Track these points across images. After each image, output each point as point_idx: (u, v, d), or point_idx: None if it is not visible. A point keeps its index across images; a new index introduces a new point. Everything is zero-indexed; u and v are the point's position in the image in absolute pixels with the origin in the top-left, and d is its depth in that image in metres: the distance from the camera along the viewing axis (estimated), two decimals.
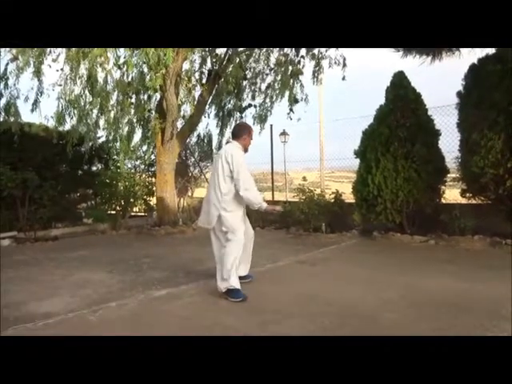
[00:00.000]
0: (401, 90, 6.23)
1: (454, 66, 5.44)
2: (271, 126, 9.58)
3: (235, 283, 3.55)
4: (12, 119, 6.77)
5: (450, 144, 6.51)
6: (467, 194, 6.08)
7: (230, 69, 7.92)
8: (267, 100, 8.81)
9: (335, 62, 7.84)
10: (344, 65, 7.80)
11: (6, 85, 6.60)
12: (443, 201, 6.52)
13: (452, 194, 6.78)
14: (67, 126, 7.51)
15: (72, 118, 7.17)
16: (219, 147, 9.36)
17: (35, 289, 3.98)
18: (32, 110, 6.86)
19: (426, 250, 5.53)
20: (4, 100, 6.75)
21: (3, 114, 6.83)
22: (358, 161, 6.83)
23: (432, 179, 6.17)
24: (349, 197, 7.66)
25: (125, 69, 7.45)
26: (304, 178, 8.45)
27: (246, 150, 3.92)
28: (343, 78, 7.95)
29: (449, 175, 6.41)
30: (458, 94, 6.11)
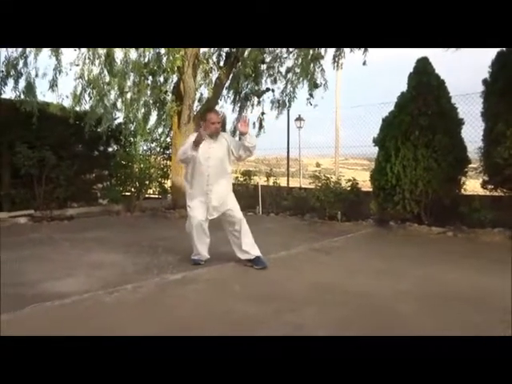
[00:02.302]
0: (424, 77, 6.04)
1: (480, 52, 5.23)
2: (288, 111, 9.44)
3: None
4: (31, 98, 6.77)
5: (472, 134, 6.33)
6: (488, 186, 5.93)
7: (248, 52, 7.76)
8: (288, 85, 8.62)
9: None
10: (366, 49, 7.55)
11: (25, 63, 6.59)
12: (463, 192, 6.36)
13: (471, 185, 6.62)
14: (84, 107, 7.52)
15: (91, 98, 7.15)
16: (234, 131, 9.27)
17: (51, 268, 4.02)
18: (51, 89, 6.85)
19: (444, 242, 5.42)
20: (23, 79, 6.76)
21: (22, 92, 6.83)
22: (372, 148, 6.71)
23: (452, 169, 6.02)
24: (362, 184, 7.56)
25: (142, 50, 7.38)
26: (317, 164, 8.31)
27: (211, 135, 4.00)
28: (364, 63, 7.71)
29: (470, 166, 6.25)
30: (484, 81, 5.91)
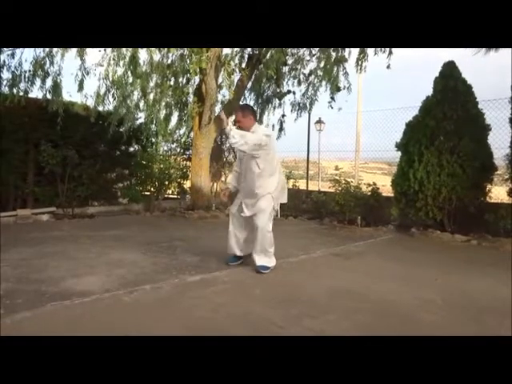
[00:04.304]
0: (450, 81, 5.91)
1: (509, 56, 5.08)
2: (309, 113, 9.39)
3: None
4: (57, 98, 6.88)
5: (500, 140, 6.16)
6: None
7: (270, 53, 7.73)
8: (310, 88, 8.57)
9: (381, 49, 7.47)
10: (390, 52, 7.42)
11: (52, 63, 6.71)
12: (488, 199, 6.19)
13: (496, 192, 6.43)
14: (107, 107, 7.62)
15: (115, 99, 7.25)
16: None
17: (72, 265, 4.05)
18: (80, 90, 6.97)
19: (468, 251, 5.28)
20: (50, 79, 6.88)
21: (49, 92, 6.95)
22: (392, 153, 6.62)
23: (478, 176, 5.87)
24: (382, 189, 7.47)
25: (165, 51, 7.44)
26: (336, 168, 8.25)
27: None
28: (388, 67, 7.59)
29: (497, 173, 6.08)
30: None
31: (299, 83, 8.79)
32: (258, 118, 4.27)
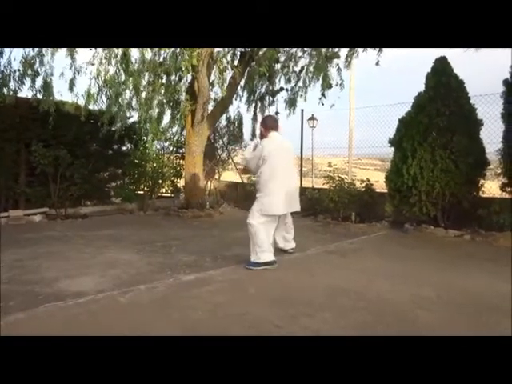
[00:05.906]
0: (443, 77, 5.92)
1: (501, 52, 5.10)
2: (302, 110, 9.37)
3: None
4: (48, 98, 6.79)
5: (491, 135, 6.19)
6: (508, 189, 5.79)
7: (263, 51, 7.69)
8: (299, 84, 8.54)
9: None
10: (380, 49, 7.40)
11: (42, 62, 6.62)
12: (481, 194, 6.22)
13: (487, 187, 6.46)
14: (99, 106, 7.54)
15: (108, 98, 7.17)
16: (253, 132, 9.42)
17: (66, 266, 4.03)
18: (70, 89, 6.89)
19: (462, 246, 5.31)
20: (40, 78, 6.79)
21: (40, 92, 6.86)
22: (384, 148, 6.63)
23: (471, 171, 5.89)
24: (375, 185, 7.49)
25: (157, 49, 7.37)
26: (329, 164, 8.22)
27: None
28: (377, 63, 7.57)
29: (489, 167, 6.11)
30: (505, 82, 5.76)
31: (289, 80, 8.75)
32: (275, 126, 4.44)
